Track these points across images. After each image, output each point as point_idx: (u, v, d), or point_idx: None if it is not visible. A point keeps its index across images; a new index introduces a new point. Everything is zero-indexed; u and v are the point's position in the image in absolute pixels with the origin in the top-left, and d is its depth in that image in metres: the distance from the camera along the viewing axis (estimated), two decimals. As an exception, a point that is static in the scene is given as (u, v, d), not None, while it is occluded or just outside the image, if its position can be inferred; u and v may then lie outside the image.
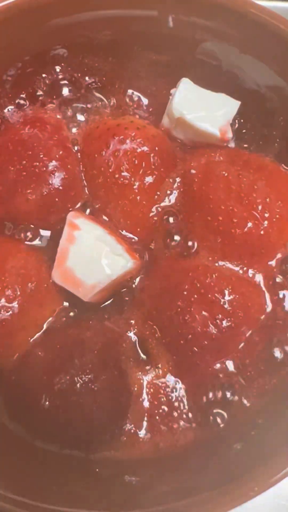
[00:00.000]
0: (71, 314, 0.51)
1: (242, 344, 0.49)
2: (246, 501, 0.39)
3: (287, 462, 0.39)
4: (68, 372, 0.45)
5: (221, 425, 0.48)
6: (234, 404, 0.48)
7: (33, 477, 0.44)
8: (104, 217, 0.54)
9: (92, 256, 0.49)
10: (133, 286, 0.52)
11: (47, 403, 0.45)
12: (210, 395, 0.48)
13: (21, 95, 0.57)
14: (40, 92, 0.58)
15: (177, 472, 0.47)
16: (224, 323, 0.47)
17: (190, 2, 0.50)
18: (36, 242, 0.53)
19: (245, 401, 0.48)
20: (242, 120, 0.58)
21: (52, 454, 0.46)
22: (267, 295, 0.51)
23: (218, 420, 0.48)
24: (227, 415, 0.48)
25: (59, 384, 0.45)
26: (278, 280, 0.51)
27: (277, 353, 0.50)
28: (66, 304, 0.51)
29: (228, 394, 0.48)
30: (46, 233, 0.53)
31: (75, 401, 0.45)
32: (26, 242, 0.53)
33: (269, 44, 0.50)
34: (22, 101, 0.58)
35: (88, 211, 0.54)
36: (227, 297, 0.48)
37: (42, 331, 0.50)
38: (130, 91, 0.59)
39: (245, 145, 0.57)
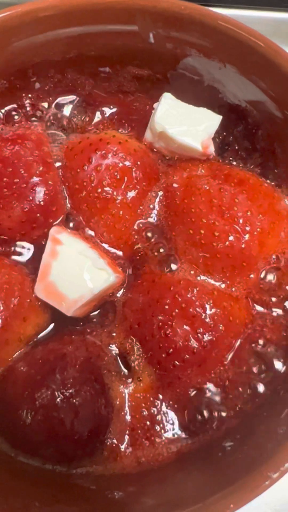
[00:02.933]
0: (54, 328, 0.51)
1: (224, 357, 0.50)
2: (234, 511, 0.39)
3: (269, 472, 0.39)
4: (49, 387, 0.46)
5: (203, 438, 0.48)
6: (216, 417, 0.48)
7: (16, 493, 0.44)
8: (87, 231, 0.54)
9: (75, 270, 0.50)
10: (116, 300, 0.52)
11: (29, 418, 0.45)
12: (192, 408, 0.48)
13: (4, 112, 0.58)
14: (21, 108, 0.58)
15: (161, 485, 0.47)
16: (206, 337, 0.48)
17: (168, 17, 0.50)
18: (19, 257, 0.54)
19: (226, 414, 0.48)
20: (224, 134, 0.58)
21: (34, 469, 0.47)
22: (248, 308, 0.51)
23: (200, 433, 0.48)
24: (209, 428, 0.48)
25: (40, 399, 0.45)
26: (259, 293, 0.52)
27: (259, 365, 0.50)
28: (49, 318, 0.51)
29: (210, 407, 0.48)
30: (29, 248, 0.54)
31: (56, 415, 0.45)
32: (10, 258, 0.53)
33: (248, 60, 0.51)
34: (4, 118, 0.58)
35: (71, 225, 0.54)
36: (208, 311, 0.48)
37: (25, 346, 0.50)
38: (112, 106, 0.60)
39: (228, 159, 0.58)
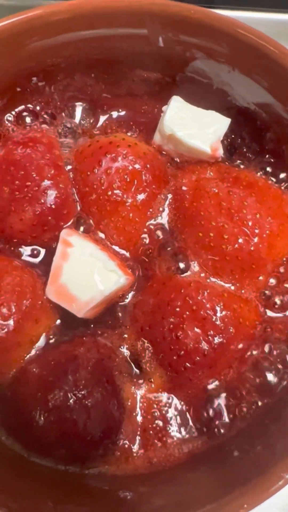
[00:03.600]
0: (66, 330, 0.52)
1: (235, 359, 0.50)
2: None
3: (283, 472, 0.40)
4: (61, 388, 0.46)
5: (215, 439, 0.49)
6: (227, 418, 0.49)
7: (29, 492, 0.45)
8: (98, 234, 0.54)
9: (85, 272, 0.50)
10: (126, 302, 0.53)
11: (42, 419, 0.46)
12: (203, 409, 0.49)
13: (14, 114, 0.58)
14: (32, 111, 0.59)
15: (172, 485, 0.47)
16: (216, 339, 0.48)
17: (178, 21, 0.51)
18: (31, 259, 0.54)
19: (237, 415, 0.49)
20: (233, 136, 0.58)
21: (47, 470, 0.47)
22: (258, 310, 0.52)
23: (212, 434, 0.49)
24: (221, 429, 0.49)
25: (53, 400, 0.46)
26: (269, 295, 0.52)
27: (269, 366, 0.51)
28: (60, 320, 0.52)
29: (221, 408, 0.49)
30: (40, 250, 0.54)
31: (68, 417, 0.45)
32: (21, 260, 0.54)
33: (257, 63, 0.51)
34: (15, 120, 0.58)
35: (81, 228, 0.55)
36: (218, 314, 0.49)
37: (37, 347, 0.51)
38: (121, 109, 0.60)
39: (236, 161, 0.58)
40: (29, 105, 0.59)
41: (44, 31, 0.50)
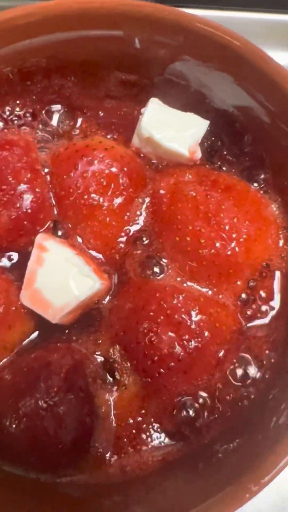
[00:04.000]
0: (40, 336, 0.51)
1: (211, 365, 0.49)
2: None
3: (252, 483, 0.39)
4: (33, 396, 0.45)
5: (189, 446, 0.48)
6: (201, 425, 0.48)
7: (1, 501, 0.44)
8: (74, 238, 0.54)
9: (60, 277, 0.49)
10: (102, 307, 0.52)
11: (12, 426, 0.45)
12: (178, 416, 0.48)
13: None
14: (9, 114, 0.58)
15: (148, 494, 0.47)
16: (191, 344, 0.47)
17: (153, 23, 0.50)
18: (6, 264, 0.53)
19: (212, 422, 0.48)
20: (212, 138, 0.58)
21: (19, 478, 0.47)
22: (235, 315, 0.51)
23: (186, 441, 0.48)
24: (195, 436, 0.48)
25: (24, 407, 0.45)
26: (245, 299, 0.51)
27: (246, 372, 0.50)
28: (35, 326, 0.51)
29: (196, 416, 0.48)
30: (15, 255, 0.54)
31: (39, 424, 0.45)
32: (-5, 265, 0.53)
33: (234, 65, 0.50)
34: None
35: (58, 232, 0.54)
36: (194, 318, 0.48)
37: (10, 354, 0.50)
38: (100, 111, 0.59)
39: (217, 164, 0.57)
40: (6, 107, 0.58)
41: (13, 35, 0.50)
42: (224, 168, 0.57)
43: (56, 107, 0.59)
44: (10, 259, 0.54)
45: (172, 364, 0.47)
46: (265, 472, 0.37)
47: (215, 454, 0.45)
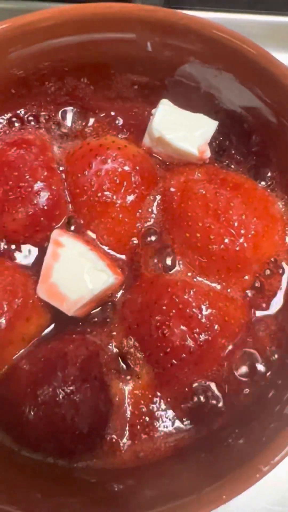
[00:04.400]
0: (56, 328, 0.53)
1: (220, 356, 0.51)
2: (226, 501, 0.40)
3: (260, 464, 0.41)
4: (50, 384, 0.47)
5: (200, 433, 0.50)
6: (211, 413, 0.50)
7: (19, 484, 0.46)
8: (88, 234, 0.56)
9: (75, 272, 0.51)
10: (116, 300, 0.54)
11: (31, 414, 0.47)
12: (189, 405, 0.50)
13: (7, 116, 0.59)
14: (25, 115, 0.60)
15: (159, 478, 0.48)
16: (202, 337, 0.49)
17: (166, 27, 0.52)
18: (22, 259, 0.55)
19: (221, 410, 0.50)
20: (221, 138, 0.59)
21: (37, 463, 0.48)
22: (243, 309, 0.53)
23: (197, 428, 0.50)
24: (205, 423, 0.50)
25: (42, 396, 0.47)
26: (253, 294, 0.53)
27: (253, 363, 0.52)
28: (51, 318, 0.53)
29: (206, 404, 0.50)
30: (32, 250, 0.56)
31: (57, 412, 0.47)
32: (12, 260, 0.55)
33: (243, 67, 0.52)
34: (7, 124, 0.60)
35: (72, 228, 0.56)
36: (204, 312, 0.50)
37: (28, 345, 0.52)
38: (112, 112, 0.61)
39: (224, 163, 0.59)
40: (21, 109, 0.60)
41: (32, 37, 0.51)
42: (232, 167, 0.59)
43: (70, 108, 0.61)
44: (26, 254, 0.55)
45: (184, 355, 0.49)
46: (274, 453, 0.39)
47: (225, 440, 0.47)
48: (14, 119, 0.60)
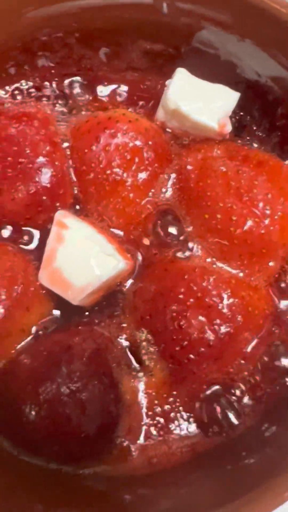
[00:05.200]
0: (59, 318, 0.49)
1: (243, 351, 0.46)
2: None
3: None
4: (54, 381, 0.43)
5: (220, 437, 0.45)
6: (233, 415, 0.46)
7: (17, 493, 0.42)
8: (95, 215, 0.51)
9: (82, 256, 0.47)
10: (125, 289, 0.50)
11: (32, 413, 0.43)
12: (208, 405, 0.46)
13: (8, 90, 0.55)
14: (27, 87, 0.55)
15: (175, 487, 0.44)
16: (223, 329, 0.45)
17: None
18: (23, 243, 0.51)
19: (245, 412, 0.45)
20: (241, 113, 0.55)
21: (38, 469, 0.44)
22: (268, 299, 0.48)
23: (217, 431, 0.45)
24: (226, 427, 0.45)
25: (45, 393, 0.43)
26: (279, 282, 0.49)
27: (280, 359, 0.47)
28: (54, 308, 0.49)
29: (227, 404, 0.46)
30: (33, 233, 0.51)
31: (61, 411, 0.42)
32: (13, 243, 0.50)
33: (270, 31, 0.48)
34: (9, 96, 0.55)
35: (78, 208, 0.52)
36: (225, 301, 0.45)
37: (28, 336, 0.47)
38: (122, 84, 0.57)
39: (245, 139, 0.55)
40: (25, 80, 0.56)
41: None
42: (254, 145, 0.54)
43: (76, 79, 0.57)
44: (27, 238, 0.51)
45: (202, 349, 0.44)
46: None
47: (251, 446, 0.43)
48: (16, 91, 0.56)
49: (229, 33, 0.50)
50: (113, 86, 0.57)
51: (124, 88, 0.57)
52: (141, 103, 0.57)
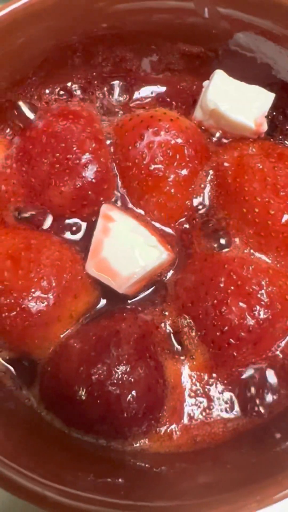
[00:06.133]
0: (105, 306, 0.51)
1: (281, 337, 0.49)
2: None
3: None
4: (104, 363, 0.45)
5: (261, 418, 0.47)
6: (271, 397, 0.47)
7: (70, 466, 0.44)
8: (137, 209, 0.53)
9: (127, 247, 0.49)
10: (166, 279, 0.52)
11: (83, 393, 0.45)
12: (247, 388, 0.48)
13: (56, 88, 0.57)
14: (72, 87, 0.58)
15: (215, 464, 0.46)
16: (262, 315, 0.47)
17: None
18: (69, 234, 0.53)
19: (283, 395, 0.47)
20: (274, 114, 0.57)
21: (88, 445, 0.46)
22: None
23: (256, 413, 0.47)
24: (267, 408, 0.47)
25: (96, 375, 0.44)
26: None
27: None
28: (99, 296, 0.51)
29: (266, 388, 0.48)
30: (79, 225, 0.53)
31: (112, 392, 0.44)
32: (59, 235, 0.53)
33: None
34: (54, 95, 0.58)
35: (120, 203, 0.54)
36: (264, 289, 0.47)
37: (76, 322, 0.50)
38: (159, 85, 0.59)
39: (277, 138, 0.57)
40: (68, 81, 0.58)
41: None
42: (287, 143, 0.56)
43: (116, 81, 0.59)
44: (74, 230, 0.53)
45: (242, 334, 0.46)
46: None
47: (286, 428, 0.45)
48: (61, 92, 0.58)
49: (265, 36, 0.53)
50: (151, 87, 0.60)
51: (161, 88, 0.60)
52: (177, 103, 0.59)
